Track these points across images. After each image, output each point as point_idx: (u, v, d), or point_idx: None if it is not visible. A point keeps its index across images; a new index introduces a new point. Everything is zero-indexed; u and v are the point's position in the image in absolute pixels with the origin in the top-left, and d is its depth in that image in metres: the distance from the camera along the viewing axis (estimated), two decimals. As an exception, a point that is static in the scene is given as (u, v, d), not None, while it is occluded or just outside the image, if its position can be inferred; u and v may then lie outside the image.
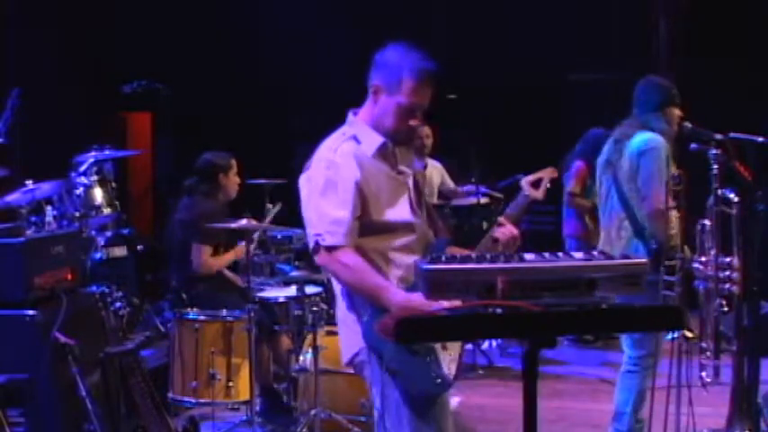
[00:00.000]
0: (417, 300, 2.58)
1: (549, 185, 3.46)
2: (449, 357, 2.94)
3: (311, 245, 2.97)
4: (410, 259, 2.92)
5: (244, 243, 5.39)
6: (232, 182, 5.66)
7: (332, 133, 3.13)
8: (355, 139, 3.04)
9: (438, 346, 2.90)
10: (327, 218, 2.91)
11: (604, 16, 8.51)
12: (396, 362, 2.83)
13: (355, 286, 2.94)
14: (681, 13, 8.60)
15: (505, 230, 3.15)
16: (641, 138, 4.35)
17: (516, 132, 8.81)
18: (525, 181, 3.42)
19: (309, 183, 3.01)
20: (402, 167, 3.12)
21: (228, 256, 5.58)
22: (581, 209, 7.03)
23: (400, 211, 3.04)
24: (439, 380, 2.88)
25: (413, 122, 3.04)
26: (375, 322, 2.83)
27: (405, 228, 3.04)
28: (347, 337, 3.05)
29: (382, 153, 3.04)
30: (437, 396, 2.94)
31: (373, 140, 3.03)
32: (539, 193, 3.37)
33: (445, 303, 2.11)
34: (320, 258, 2.95)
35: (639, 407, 4.43)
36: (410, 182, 3.13)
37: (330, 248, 2.90)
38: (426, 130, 7.32)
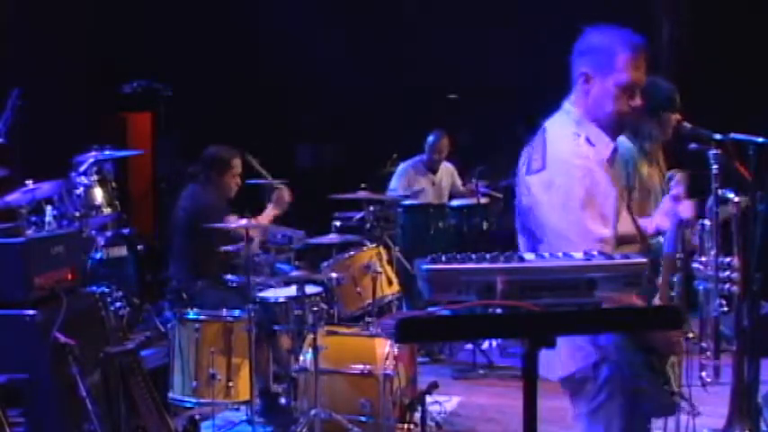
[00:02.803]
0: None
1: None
2: (673, 376, 2.86)
3: None
4: None
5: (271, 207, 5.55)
6: (227, 181, 5.67)
7: (553, 126, 2.86)
8: (588, 141, 2.78)
9: (668, 365, 2.82)
10: (592, 235, 2.64)
11: (605, 16, 8.51)
12: (640, 378, 2.73)
13: None
14: (681, 13, 8.60)
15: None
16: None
17: (517, 132, 8.82)
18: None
19: (558, 190, 2.70)
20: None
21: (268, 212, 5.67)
22: None
23: (628, 222, 2.87)
24: (675, 398, 2.81)
25: (634, 102, 2.81)
26: (620, 340, 2.71)
27: (631, 240, 2.88)
28: (571, 351, 2.84)
29: (612, 158, 2.83)
30: (669, 414, 2.89)
31: (606, 145, 2.80)
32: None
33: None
34: None
35: None
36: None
37: None
38: (445, 142, 7.45)
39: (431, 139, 7.50)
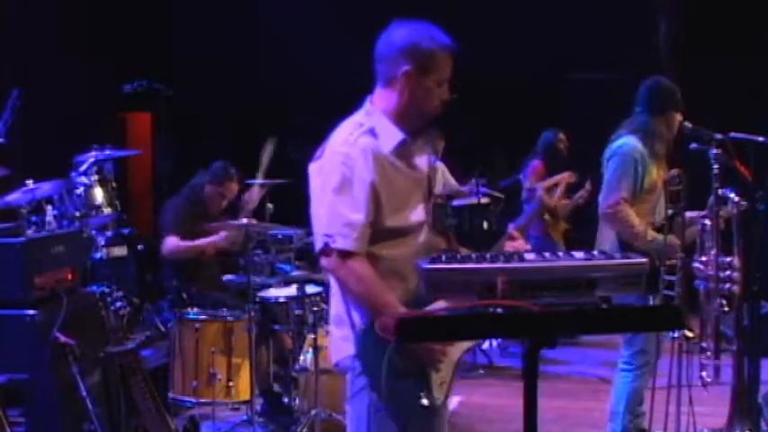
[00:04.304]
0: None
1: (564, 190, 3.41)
2: (439, 380, 2.77)
3: (318, 245, 2.78)
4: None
5: (222, 234, 5.41)
6: (211, 193, 5.66)
7: (346, 119, 2.95)
8: (372, 132, 2.84)
9: (435, 373, 2.75)
10: (341, 219, 2.73)
11: (605, 15, 8.51)
12: (385, 377, 2.61)
13: (361, 297, 2.76)
14: (681, 12, 8.61)
15: (517, 245, 2.99)
16: (619, 141, 4.45)
17: (517, 131, 8.83)
18: (541, 186, 3.40)
19: (323, 176, 2.82)
20: (418, 163, 2.96)
21: (199, 242, 5.55)
22: (541, 205, 7.05)
23: (414, 213, 2.90)
24: (425, 402, 2.73)
25: (446, 96, 2.92)
26: (371, 332, 2.63)
27: (417, 229, 2.90)
28: (338, 340, 2.93)
29: (399, 150, 2.86)
30: (419, 418, 2.78)
31: (392, 136, 2.85)
32: (552, 200, 3.33)
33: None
34: (328, 261, 2.77)
35: (633, 406, 4.43)
36: (424, 179, 2.99)
37: (341, 252, 2.73)
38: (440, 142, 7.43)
39: None
